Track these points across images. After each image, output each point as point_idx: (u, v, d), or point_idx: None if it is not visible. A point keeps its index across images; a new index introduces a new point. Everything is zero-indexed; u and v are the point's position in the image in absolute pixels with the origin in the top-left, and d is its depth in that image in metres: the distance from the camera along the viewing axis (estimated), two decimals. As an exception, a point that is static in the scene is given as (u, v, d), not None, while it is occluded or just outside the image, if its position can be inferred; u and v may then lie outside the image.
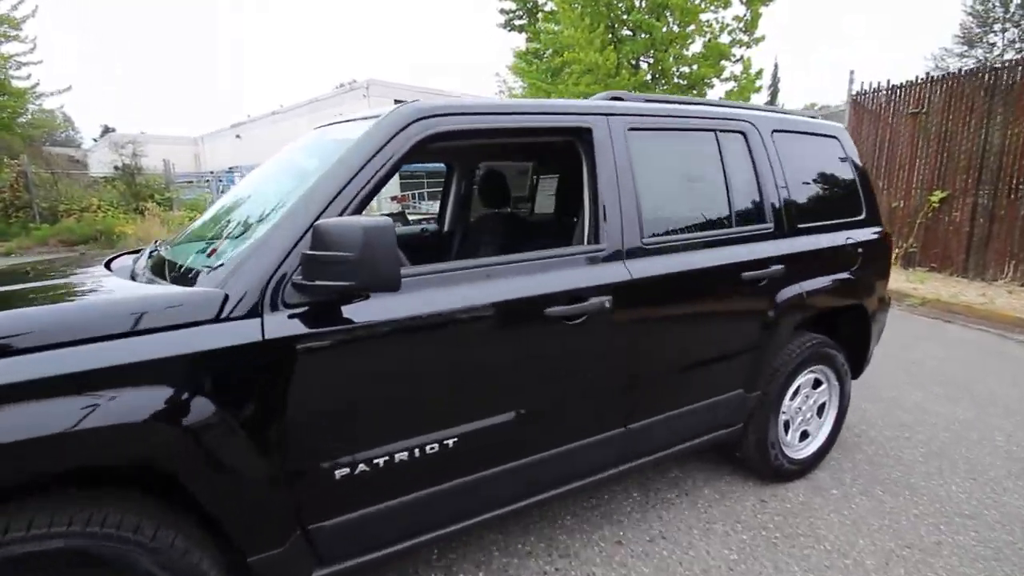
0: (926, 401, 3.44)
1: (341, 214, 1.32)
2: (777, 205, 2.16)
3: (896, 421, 3.15)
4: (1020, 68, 6.62)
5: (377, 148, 1.40)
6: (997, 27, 25.95)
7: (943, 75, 7.53)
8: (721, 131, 2.08)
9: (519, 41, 17.20)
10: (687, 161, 2.03)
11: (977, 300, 5.68)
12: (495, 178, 2.79)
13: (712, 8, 12.49)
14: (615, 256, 1.72)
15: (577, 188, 1.89)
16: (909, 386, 3.63)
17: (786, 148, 2.28)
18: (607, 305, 1.63)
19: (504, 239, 2.67)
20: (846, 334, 2.54)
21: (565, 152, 2.10)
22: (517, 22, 15.17)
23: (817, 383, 2.48)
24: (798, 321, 2.20)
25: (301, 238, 1.27)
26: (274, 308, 1.23)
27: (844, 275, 2.36)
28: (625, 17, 12.58)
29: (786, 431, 2.41)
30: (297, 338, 1.23)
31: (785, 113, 2.54)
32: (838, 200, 2.49)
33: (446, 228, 3.21)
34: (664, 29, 12.24)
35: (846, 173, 2.55)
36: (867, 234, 2.51)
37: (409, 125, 1.44)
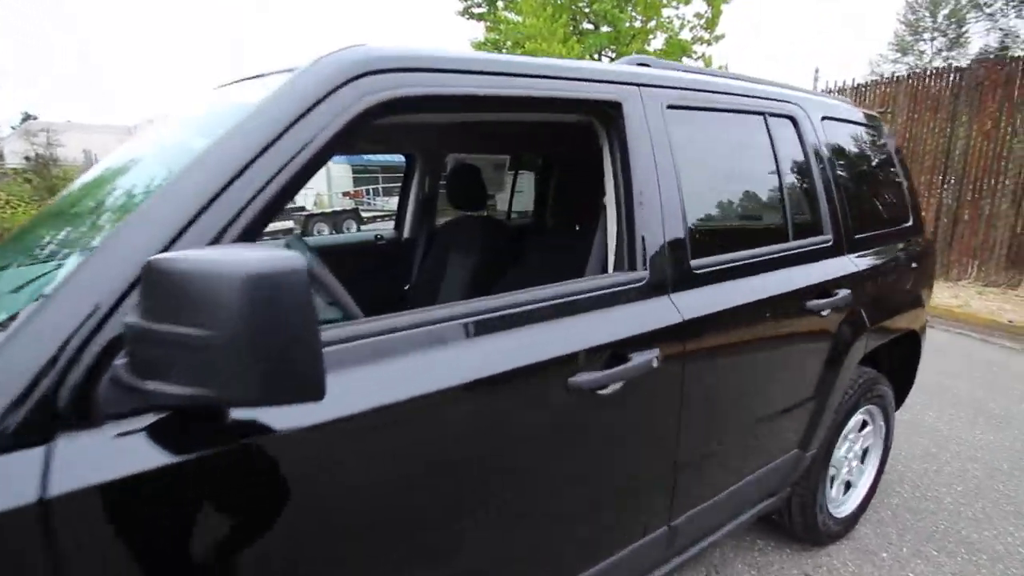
0: (940, 422, 3.14)
1: (218, 240, 0.73)
2: (834, 212, 1.69)
3: (920, 450, 2.81)
4: (982, 68, 6.61)
5: (291, 120, 0.81)
6: (927, 35, 27.45)
7: (909, 74, 7.50)
8: (771, 115, 1.60)
9: (478, 31, 16.54)
10: (735, 154, 1.53)
11: (954, 303, 5.57)
12: (468, 173, 2.22)
13: (674, 4, 12.30)
14: (658, 288, 1.19)
15: (586, 188, 1.36)
16: (919, 406, 3.32)
17: (835, 139, 1.83)
18: (655, 363, 1.10)
19: (482, 251, 2.11)
20: (891, 363, 2.13)
21: (571, 137, 1.56)
22: (476, 10, 14.49)
23: (863, 425, 2.06)
24: (861, 357, 1.76)
25: (126, 292, 0.67)
26: (83, 422, 0.63)
27: (903, 296, 1.94)
28: (587, 9, 12.20)
29: (830, 485, 1.97)
30: (129, 484, 0.63)
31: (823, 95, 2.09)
32: (888, 204, 2.06)
33: (406, 235, 2.61)
34: (627, 24, 11.95)
35: (893, 170, 2.13)
36: (918, 245, 2.11)
37: (350, 83, 0.86)
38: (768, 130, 1.58)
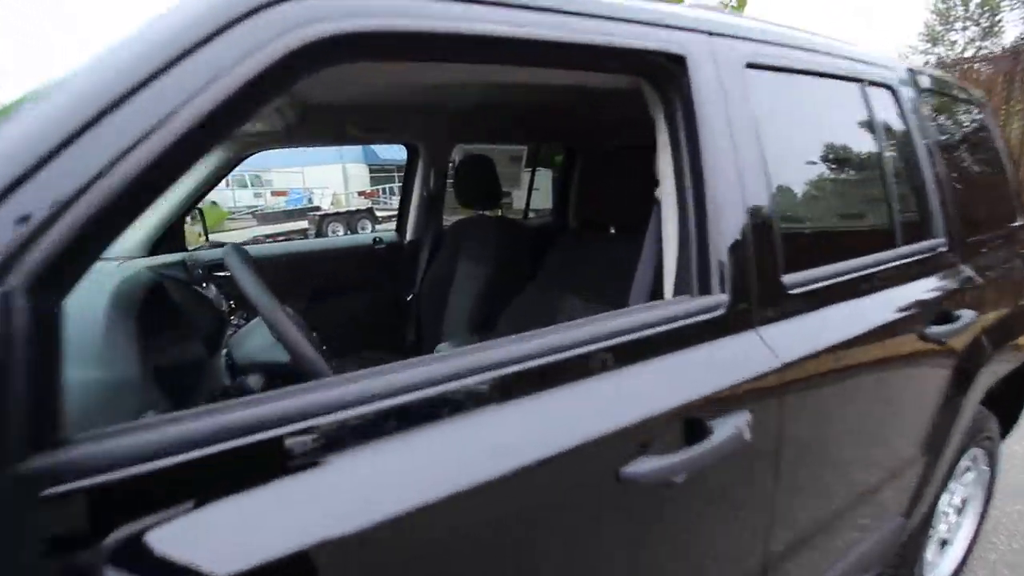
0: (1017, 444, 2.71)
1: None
2: (946, 208, 1.31)
3: (1012, 488, 2.39)
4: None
5: (164, 62, 0.48)
6: (959, 25, 26.34)
7: (957, 60, 6.96)
8: (870, 83, 1.22)
9: None
10: (830, 132, 1.16)
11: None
12: (480, 166, 1.89)
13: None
14: (742, 318, 0.83)
15: (625, 177, 1.02)
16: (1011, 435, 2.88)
17: (937, 118, 1.45)
18: (747, 434, 0.74)
19: (496, 258, 1.78)
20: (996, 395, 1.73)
21: (607, 111, 1.21)
22: None
23: (965, 471, 1.67)
24: (983, 395, 1.37)
25: None
26: None
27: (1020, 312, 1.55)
28: None
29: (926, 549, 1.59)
30: None
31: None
32: (996, 199, 1.67)
33: (409, 237, 2.28)
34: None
35: (998, 158, 1.73)
36: (1032, 248, 1.70)
37: (266, 8, 0.52)
38: (867, 103, 1.21)
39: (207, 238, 2.17)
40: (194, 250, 1.99)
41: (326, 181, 17.64)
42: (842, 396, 0.98)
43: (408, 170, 2.24)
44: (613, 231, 1.41)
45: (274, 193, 16.66)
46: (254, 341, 0.88)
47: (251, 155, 1.81)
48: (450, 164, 2.23)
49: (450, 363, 0.60)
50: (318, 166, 17.75)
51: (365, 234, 2.26)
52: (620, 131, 1.73)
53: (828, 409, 0.96)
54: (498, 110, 1.87)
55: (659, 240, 0.94)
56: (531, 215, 3.07)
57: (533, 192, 3.23)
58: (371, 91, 1.54)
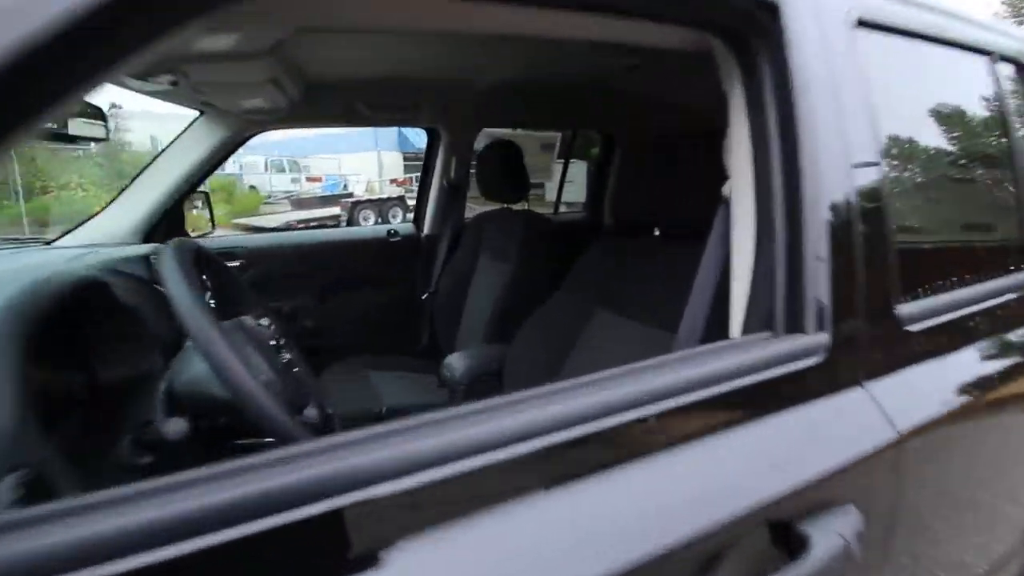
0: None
1: None
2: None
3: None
4: None
5: None
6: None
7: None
8: (1001, 57, 0.95)
9: None
10: (959, 115, 0.90)
11: None
12: (506, 153, 1.67)
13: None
14: (846, 370, 0.60)
15: (687, 168, 0.79)
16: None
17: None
18: (853, 547, 0.51)
19: (521, 257, 1.57)
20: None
21: (661, 85, 0.99)
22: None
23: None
24: None
25: None
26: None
27: None
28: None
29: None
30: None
31: None
32: None
33: (426, 231, 2.09)
34: None
35: None
36: None
37: None
38: (997, 80, 0.94)
39: (213, 224, 2.03)
40: (196, 237, 1.85)
41: (361, 168, 17.72)
42: (979, 475, 0.73)
43: (428, 156, 2.04)
44: (658, 233, 1.18)
45: (309, 179, 16.83)
46: (195, 366, 0.69)
47: (254, 135, 1.64)
48: (475, 151, 2.03)
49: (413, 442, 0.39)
50: (354, 153, 17.84)
51: (380, 226, 2.07)
52: (673, 113, 1.49)
53: (957, 495, 0.71)
54: (528, 90, 1.65)
55: (724, 251, 0.71)
56: (563, 210, 2.84)
57: (566, 185, 3.00)
58: (383, 64, 1.35)
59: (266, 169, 16.56)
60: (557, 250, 1.64)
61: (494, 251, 1.76)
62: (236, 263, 1.81)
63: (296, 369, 0.87)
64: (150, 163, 1.58)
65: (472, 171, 2.04)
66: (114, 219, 1.57)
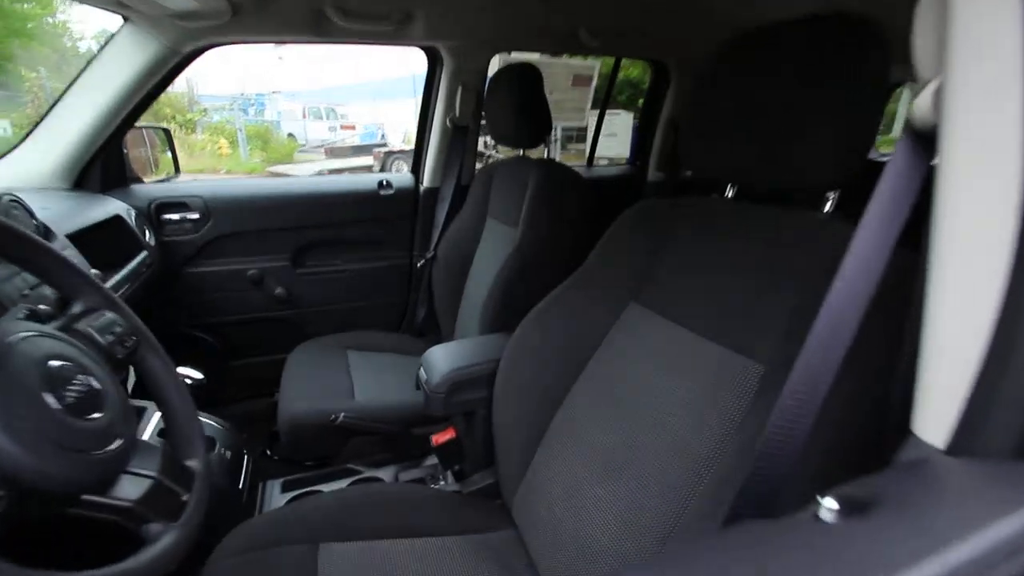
0: None
1: None
2: None
3: None
4: None
5: None
6: None
7: None
8: None
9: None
10: None
11: None
12: (520, 81, 1.26)
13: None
14: None
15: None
16: None
17: None
18: None
19: (535, 218, 1.19)
20: None
21: None
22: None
23: None
24: None
25: None
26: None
27: None
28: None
29: None
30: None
31: None
32: None
33: (426, 183, 1.72)
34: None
35: None
36: None
37: None
38: None
39: (177, 168, 1.72)
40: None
41: (399, 116, 17.27)
42: None
43: (427, 88, 1.64)
44: (731, 193, 0.77)
45: (344, 127, 16.53)
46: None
47: (197, 52, 1.29)
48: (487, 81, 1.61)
49: None
50: (392, 100, 17.39)
51: (369, 175, 1.70)
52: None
53: None
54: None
55: (903, 256, 0.32)
56: (601, 163, 2.39)
57: (611, 139, 2.53)
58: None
59: (304, 116, 16.40)
60: (583, 213, 1.25)
61: (501, 210, 1.38)
62: (193, 216, 1.50)
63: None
64: (68, 88, 1.25)
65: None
66: (32, 159, 1.27)
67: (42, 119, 1.26)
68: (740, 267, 0.67)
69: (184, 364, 1.54)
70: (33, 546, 0.53)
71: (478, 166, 1.72)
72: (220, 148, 13.12)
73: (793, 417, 0.39)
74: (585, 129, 3.35)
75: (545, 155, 1.38)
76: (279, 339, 1.59)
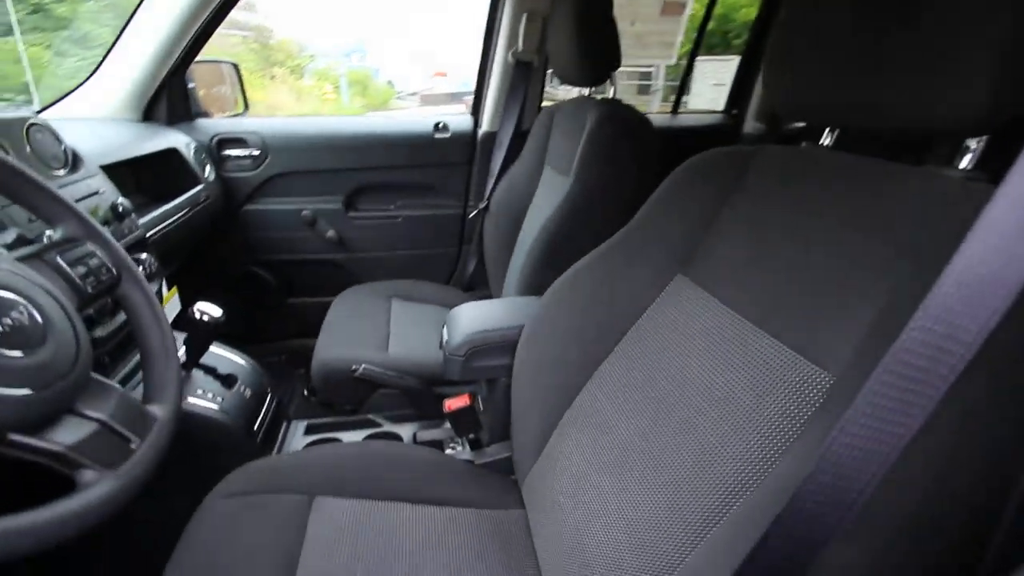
0: None
1: None
2: None
3: None
4: None
5: None
6: None
7: None
8: None
9: None
10: None
11: None
12: (587, 6, 1.08)
13: None
14: None
15: None
16: None
17: None
18: None
19: (593, 166, 1.05)
20: None
21: None
22: None
23: None
24: None
25: None
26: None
27: None
28: None
29: None
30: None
31: None
32: None
33: (484, 127, 1.59)
34: None
35: None
36: None
37: None
38: None
39: (246, 105, 1.74)
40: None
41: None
42: None
43: (491, 16, 1.48)
44: (828, 141, 0.58)
45: (436, 74, 16.52)
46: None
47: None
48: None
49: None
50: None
51: (427, 118, 1.60)
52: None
53: None
54: None
55: None
56: (684, 113, 2.11)
57: (716, 88, 2.22)
58: None
59: (402, 63, 16.56)
60: (646, 165, 1.07)
61: (557, 157, 1.23)
62: (249, 152, 1.50)
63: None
64: (127, 21, 1.25)
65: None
66: (100, 93, 1.31)
67: (107, 53, 1.29)
68: (825, 240, 0.50)
69: (242, 299, 1.61)
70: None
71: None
72: (325, 93, 13.69)
73: (864, 448, 0.26)
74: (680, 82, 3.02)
75: (611, 95, 1.20)
76: (331, 282, 1.59)
